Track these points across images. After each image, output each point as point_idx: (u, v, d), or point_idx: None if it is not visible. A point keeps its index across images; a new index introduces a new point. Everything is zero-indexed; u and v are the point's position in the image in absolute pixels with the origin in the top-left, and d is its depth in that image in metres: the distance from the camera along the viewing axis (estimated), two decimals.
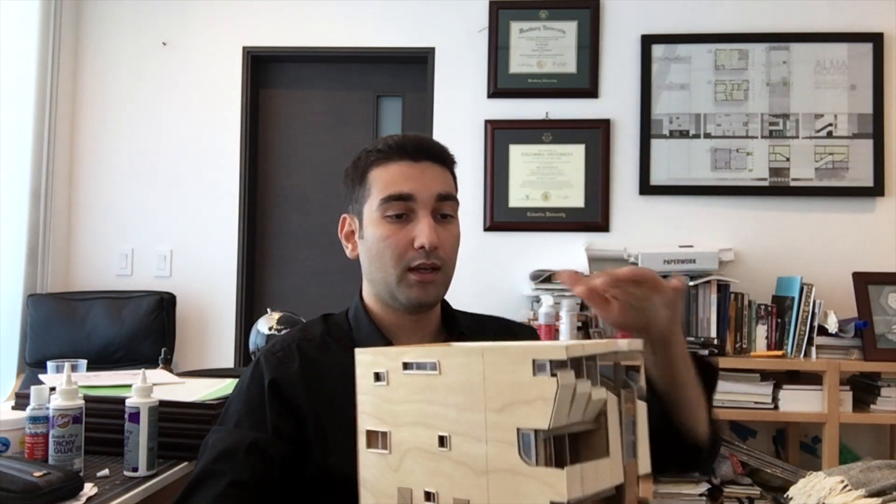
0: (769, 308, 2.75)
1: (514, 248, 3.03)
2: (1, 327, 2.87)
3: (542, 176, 3.04)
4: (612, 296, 0.90)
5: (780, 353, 2.69)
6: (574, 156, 3.04)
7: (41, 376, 1.64)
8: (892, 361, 2.59)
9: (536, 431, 0.68)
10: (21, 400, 1.51)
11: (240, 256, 3.16)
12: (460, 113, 3.09)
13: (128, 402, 1.35)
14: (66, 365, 1.40)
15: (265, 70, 3.30)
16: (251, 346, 2.29)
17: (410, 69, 3.23)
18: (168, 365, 2.12)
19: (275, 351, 1.10)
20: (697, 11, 3.04)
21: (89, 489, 1.22)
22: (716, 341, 2.67)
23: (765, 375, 2.63)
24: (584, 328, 2.68)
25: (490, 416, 0.72)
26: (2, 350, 2.86)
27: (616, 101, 3.05)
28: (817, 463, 2.69)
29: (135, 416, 1.33)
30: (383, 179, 1.08)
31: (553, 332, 2.61)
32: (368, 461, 0.84)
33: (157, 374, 1.81)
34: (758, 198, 2.98)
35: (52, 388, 1.35)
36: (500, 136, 3.06)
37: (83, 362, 1.75)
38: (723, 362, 2.62)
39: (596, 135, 3.03)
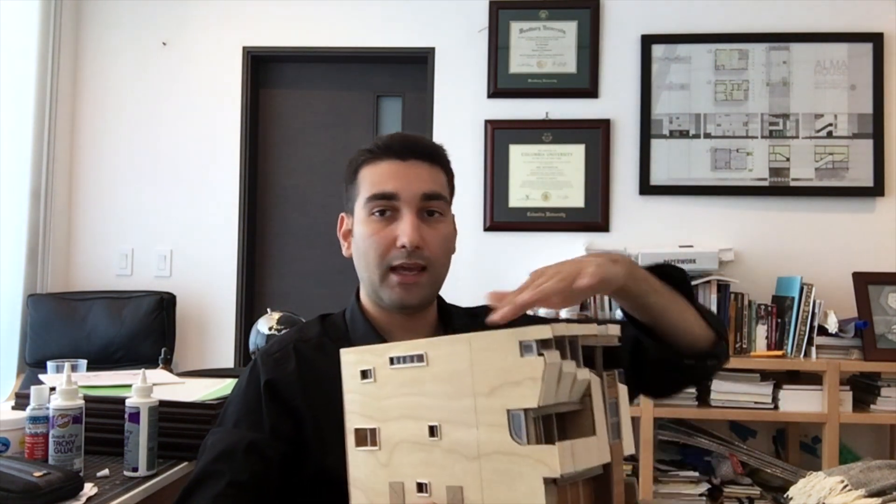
0: (769, 308, 2.75)
1: (514, 248, 3.03)
2: (1, 327, 2.87)
3: (542, 176, 3.04)
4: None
5: (780, 353, 2.69)
6: (574, 156, 3.04)
7: (41, 376, 1.64)
8: (892, 361, 2.59)
9: (526, 411, 0.70)
10: (21, 400, 1.51)
11: (240, 256, 3.16)
12: (460, 113, 3.09)
13: (128, 402, 1.35)
14: (66, 365, 1.40)
15: (265, 70, 3.30)
16: (251, 346, 2.29)
17: (410, 69, 3.23)
18: (168, 365, 2.12)
19: (271, 352, 1.11)
20: (697, 11, 3.04)
21: (89, 489, 1.22)
22: None
23: (765, 375, 2.63)
24: None
25: (479, 400, 0.73)
26: (2, 350, 2.86)
27: (616, 101, 3.05)
28: (817, 463, 2.69)
29: (135, 416, 1.33)
30: (370, 178, 1.09)
31: None
32: (358, 460, 0.85)
33: (157, 374, 1.81)
34: (758, 198, 2.98)
35: (52, 388, 1.35)
36: (500, 136, 3.06)
37: (83, 362, 1.75)
38: None
39: (596, 135, 3.03)
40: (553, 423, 0.72)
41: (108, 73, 3.23)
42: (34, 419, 1.33)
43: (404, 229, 1.05)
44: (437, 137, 3.09)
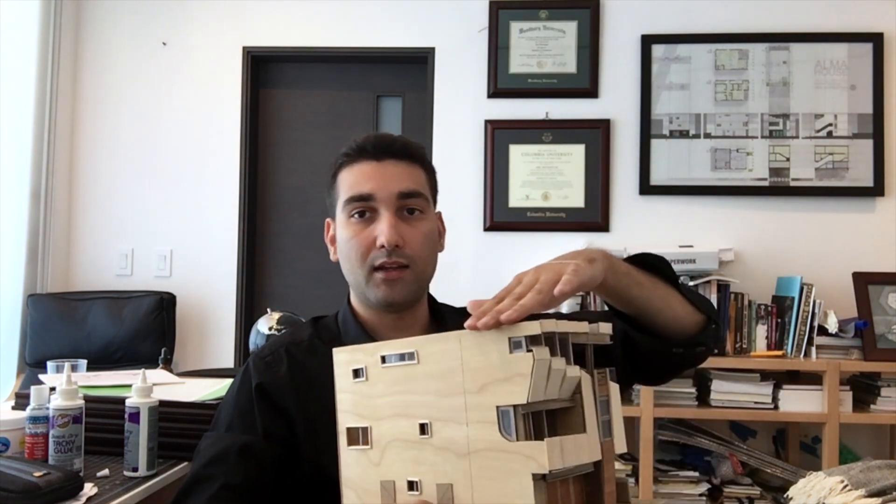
0: (769, 308, 2.75)
1: (514, 248, 3.03)
2: (1, 327, 2.87)
3: (542, 176, 3.04)
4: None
5: (780, 353, 2.69)
6: (574, 156, 3.04)
7: (41, 376, 1.64)
8: (892, 361, 2.59)
9: (515, 407, 0.70)
10: (21, 400, 1.51)
11: (240, 256, 3.16)
12: (460, 113, 3.09)
13: (128, 402, 1.34)
14: (66, 365, 1.40)
15: (265, 70, 3.30)
16: (251, 346, 2.29)
17: (410, 69, 3.23)
18: (168, 365, 2.12)
19: (263, 355, 1.11)
20: (697, 11, 3.04)
21: (89, 489, 1.22)
22: None
23: (765, 375, 2.63)
24: None
25: (469, 398, 0.74)
26: (2, 350, 2.86)
27: (616, 101, 3.05)
28: (817, 463, 2.69)
29: (135, 416, 1.33)
30: (347, 181, 1.10)
31: None
32: (350, 459, 0.85)
33: (157, 374, 1.81)
34: (758, 198, 2.98)
35: (52, 388, 1.35)
36: (500, 136, 3.06)
37: (83, 362, 1.75)
38: (723, 362, 2.63)
39: (596, 135, 3.03)
40: (543, 420, 0.73)
41: (108, 73, 3.23)
42: (34, 419, 1.33)
43: (382, 229, 1.05)
44: (437, 137, 3.10)
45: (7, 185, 2.85)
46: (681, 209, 3.01)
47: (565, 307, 2.63)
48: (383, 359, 0.82)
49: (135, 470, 1.32)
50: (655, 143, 3.01)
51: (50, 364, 1.67)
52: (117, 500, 1.22)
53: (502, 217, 3.04)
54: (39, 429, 1.32)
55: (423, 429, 0.77)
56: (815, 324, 2.66)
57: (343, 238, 1.09)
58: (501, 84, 3.07)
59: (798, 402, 2.60)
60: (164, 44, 3.21)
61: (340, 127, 3.24)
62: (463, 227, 3.04)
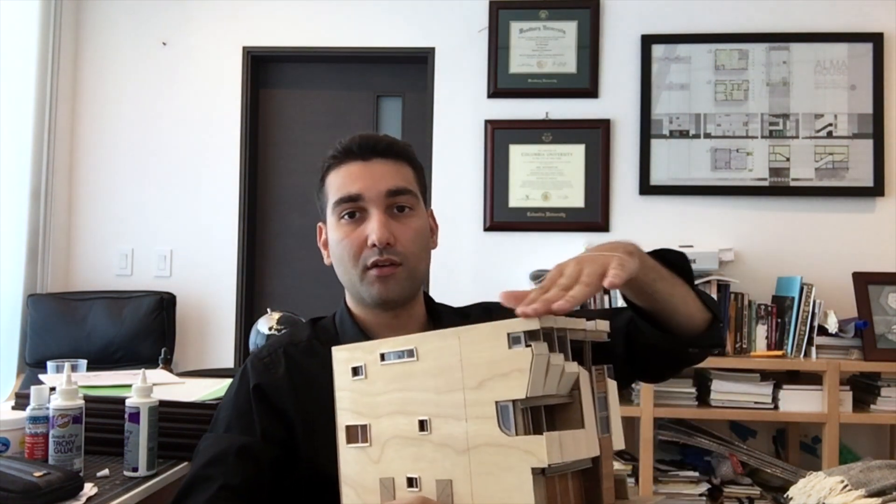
0: (769, 308, 2.75)
1: (514, 248, 3.02)
2: (1, 327, 2.87)
3: (542, 176, 3.04)
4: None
5: (780, 353, 2.69)
6: (574, 156, 3.04)
7: (41, 376, 1.64)
8: (892, 361, 2.59)
9: (514, 402, 0.70)
10: (21, 400, 1.51)
11: (240, 256, 3.16)
12: (460, 113, 3.09)
13: (128, 402, 1.34)
14: (66, 365, 1.40)
15: (265, 70, 3.30)
16: (251, 346, 2.29)
17: (410, 69, 3.23)
18: (168, 365, 2.12)
19: (261, 356, 1.11)
20: (697, 11, 3.04)
21: (89, 489, 1.22)
22: None
23: (765, 375, 2.64)
24: None
25: (469, 394, 0.74)
26: (2, 350, 2.86)
27: (616, 101, 3.05)
28: (817, 463, 2.69)
29: (135, 416, 1.33)
30: (335, 183, 1.10)
31: None
32: (349, 457, 0.85)
33: (157, 374, 1.81)
34: (758, 198, 2.98)
35: (52, 388, 1.35)
36: (500, 136, 3.06)
37: (83, 362, 1.75)
38: (723, 362, 2.63)
39: (596, 135, 3.03)
40: (542, 416, 0.73)
41: (108, 73, 3.23)
42: (34, 419, 1.33)
43: (373, 228, 1.05)
44: (437, 137, 3.10)
45: (7, 184, 2.85)
46: (681, 209, 3.01)
47: None
48: (382, 356, 0.82)
49: (135, 470, 1.33)
50: (655, 143, 3.01)
51: (50, 364, 1.67)
52: (117, 500, 1.22)
53: (502, 217, 3.04)
54: (39, 429, 1.32)
55: (423, 425, 0.77)
56: (815, 324, 2.66)
57: (335, 240, 1.09)
58: (501, 84, 3.07)
59: (798, 402, 2.60)
60: (164, 44, 3.21)
61: (340, 127, 3.24)
62: (463, 227, 3.04)
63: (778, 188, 2.97)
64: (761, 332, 2.73)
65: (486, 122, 3.07)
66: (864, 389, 2.67)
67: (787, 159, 2.97)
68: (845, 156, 2.95)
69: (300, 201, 3.25)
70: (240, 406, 1.06)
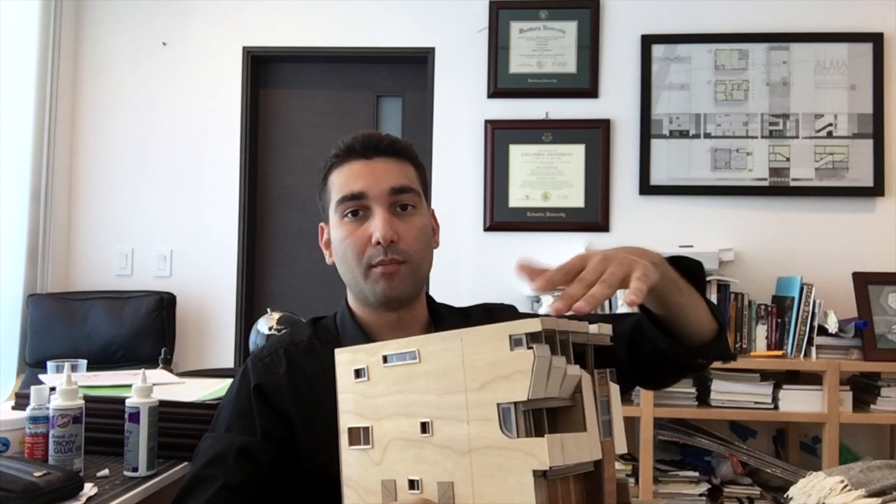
0: (769, 308, 2.75)
1: (514, 248, 3.02)
2: (1, 327, 2.87)
3: (542, 176, 3.04)
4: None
5: (780, 353, 2.70)
6: (574, 156, 3.04)
7: (41, 376, 1.63)
8: (892, 361, 2.59)
9: (516, 404, 0.70)
10: (21, 400, 1.51)
11: (240, 256, 3.16)
12: (460, 113, 3.09)
13: (128, 402, 1.34)
14: (66, 365, 1.40)
15: (265, 70, 3.30)
16: (251, 346, 2.29)
17: (410, 69, 3.23)
18: (168, 365, 2.12)
19: (262, 356, 1.11)
20: (697, 11, 3.04)
21: (89, 489, 1.22)
22: None
23: (765, 375, 2.63)
24: None
25: (470, 396, 0.74)
26: (2, 350, 2.86)
27: (616, 101, 3.05)
28: (817, 463, 2.70)
29: (135, 416, 1.33)
30: (338, 182, 1.09)
31: None
32: (351, 459, 0.85)
33: (157, 374, 1.81)
34: (758, 198, 2.98)
35: (52, 388, 1.35)
36: (500, 136, 3.06)
37: (83, 362, 1.75)
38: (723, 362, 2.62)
39: (596, 135, 3.03)
40: (543, 418, 0.73)
41: (108, 73, 3.23)
42: (34, 419, 1.33)
43: (377, 225, 1.04)
44: (437, 137, 3.10)
45: (7, 185, 2.85)
46: (681, 209, 3.01)
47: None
48: (385, 358, 0.82)
49: (135, 470, 1.33)
50: (655, 143, 3.01)
51: (50, 364, 1.67)
52: (117, 500, 1.22)
53: (502, 217, 3.04)
54: (39, 429, 1.32)
55: (424, 427, 0.77)
56: (815, 324, 2.66)
57: (338, 238, 1.09)
58: (501, 84, 3.07)
59: (798, 402, 2.60)
60: (164, 44, 3.21)
61: (340, 127, 3.24)
62: (463, 227, 3.04)
63: (778, 188, 2.97)
64: (761, 332, 2.73)
65: (486, 121, 3.07)
66: (864, 389, 2.67)
67: (787, 159, 2.97)
68: (845, 156, 2.95)
69: (300, 201, 3.25)
70: (240, 406, 1.06)
